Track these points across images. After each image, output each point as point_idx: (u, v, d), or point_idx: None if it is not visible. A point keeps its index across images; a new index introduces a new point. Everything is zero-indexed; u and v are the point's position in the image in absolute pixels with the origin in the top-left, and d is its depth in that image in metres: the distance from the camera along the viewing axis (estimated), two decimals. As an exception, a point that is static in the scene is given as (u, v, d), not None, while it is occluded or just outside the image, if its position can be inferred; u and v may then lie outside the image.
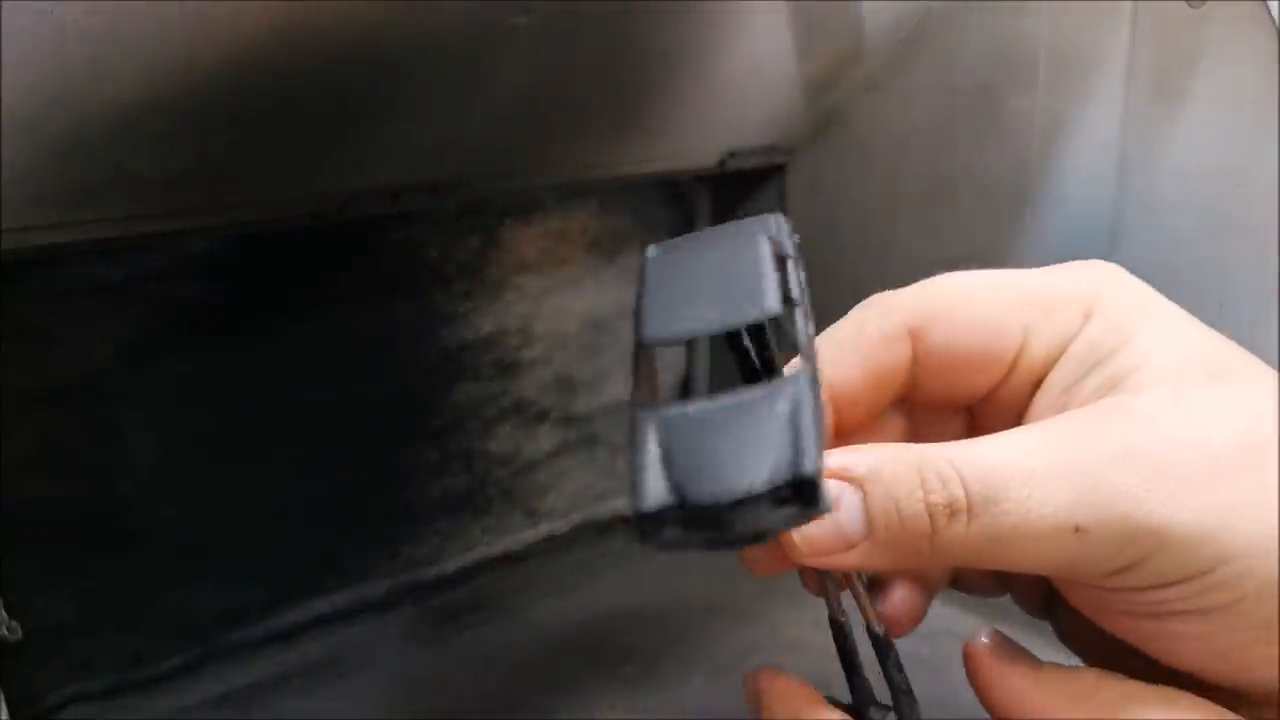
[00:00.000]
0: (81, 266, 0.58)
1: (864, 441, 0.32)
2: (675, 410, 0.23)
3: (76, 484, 0.61)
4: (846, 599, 0.33)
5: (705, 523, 0.22)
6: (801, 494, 0.21)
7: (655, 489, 0.22)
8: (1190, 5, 0.55)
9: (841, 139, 0.75)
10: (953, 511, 0.25)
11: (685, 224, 0.85)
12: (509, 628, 0.73)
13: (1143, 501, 0.25)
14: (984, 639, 0.30)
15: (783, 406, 0.22)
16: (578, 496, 0.84)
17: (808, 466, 0.21)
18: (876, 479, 0.26)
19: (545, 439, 0.82)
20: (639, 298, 0.26)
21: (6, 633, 0.40)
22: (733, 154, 0.74)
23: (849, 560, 0.27)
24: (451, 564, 0.77)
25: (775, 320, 0.25)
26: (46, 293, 0.58)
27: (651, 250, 0.27)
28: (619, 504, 0.85)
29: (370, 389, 0.71)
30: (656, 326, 0.25)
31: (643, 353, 0.25)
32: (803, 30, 0.67)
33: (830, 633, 0.33)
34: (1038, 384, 0.30)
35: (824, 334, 0.32)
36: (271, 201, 0.56)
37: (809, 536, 0.27)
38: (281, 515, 0.68)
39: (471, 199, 0.69)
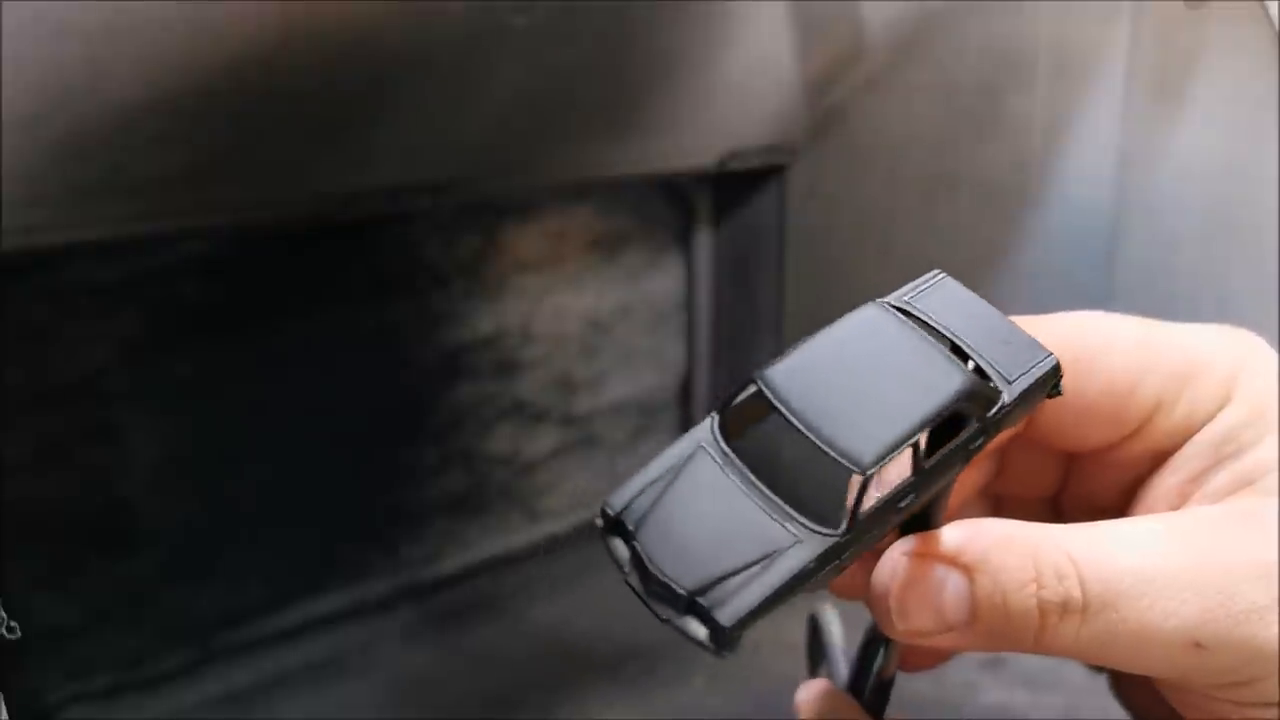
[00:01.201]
0: (81, 266, 0.58)
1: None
2: (712, 465, 0.23)
3: (76, 484, 0.61)
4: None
5: (636, 562, 0.22)
6: (710, 627, 0.21)
7: (625, 499, 0.23)
8: (1190, 5, 0.55)
9: (842, 139, 0.75)
10: (1065, 611, 0.24)
11: (685, 224, 0.85)
12: (509, 628, 0.73)
13: (1270, 622, 0.24)
14: None
15: (779, 546, 0.21)
16: (577, 496, 0.84)
17: (724, 617, 0.20)
18: (985, 567, 0.25)
19: (545, 439, 0.82)
20: (802, 341, 0.23)
21: (6, 633, 0.40)
22: (733, 154, 0.74)
23: (945, 641, 0.26)
24: (451, 564, 0.77)
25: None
26: (46, 293, 0.58)
27: (865, 310, 0.24)
28: (619, 504, 0.85)
29: (370, 389, 0.71)
30: (778, 379, 0.22)
31: (751, 386, 0.23)
32: (803, 30, 0.67)
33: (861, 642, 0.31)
34: (1154, 455, 0.29)
35: None
36: (271, 202, 0.56)
37: (907, 615, 0.25)
38: (281, 515, 0.68)
39: (471, 199, 0.69)
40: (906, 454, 0.22)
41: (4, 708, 0.35)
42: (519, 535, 0.80)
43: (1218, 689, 0.25)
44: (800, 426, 0.22)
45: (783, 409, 0.22)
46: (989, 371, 0.23)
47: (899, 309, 0.24)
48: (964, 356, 0.24)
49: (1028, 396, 0.24)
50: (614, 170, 0.71)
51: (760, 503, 0.22)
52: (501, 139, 0.61)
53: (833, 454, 0.21)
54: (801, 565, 0.21)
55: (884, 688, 0.31)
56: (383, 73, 0.51)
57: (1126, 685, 0.33)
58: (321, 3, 0.44)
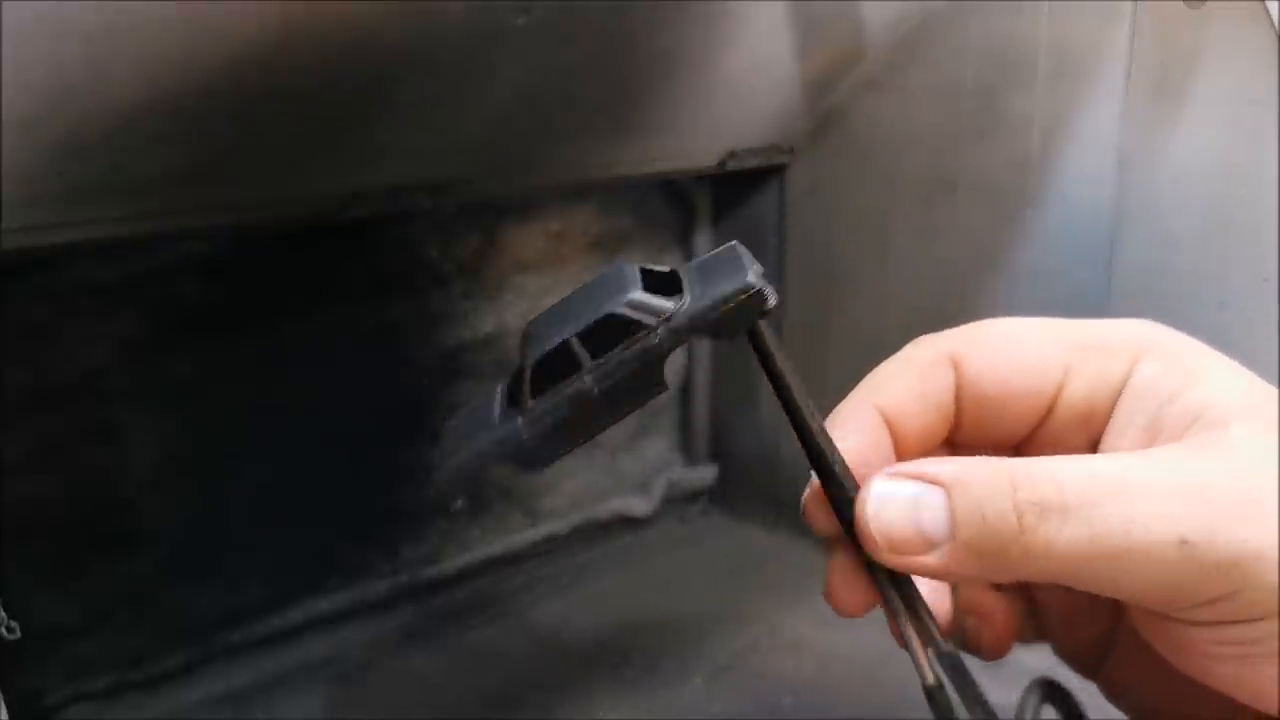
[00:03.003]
0: (81, 266, 0.58)
1: None
2: (487, 399, 0.31)
3: (76, 484, 0.61)
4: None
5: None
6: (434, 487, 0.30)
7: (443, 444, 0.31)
8: (1190, 5, 0.55)
9: (841, 139, 0.75)
10: (1044, 510, 0.25)
11: (685, 224, 0.85)
12: (509, 628, 0.73)
13: (1246, 526, 0.24)
14: None
15: (493, 431, 0.29)
16: (578, 496, 0.84)
17: (438, 475, 0.29)
18: (959, 481, 0.26)
19: (545, 439, 0.81)
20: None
21: (6, 633, 0.40)
22: (733, 154, 0.74)
23: (930, 563, 0.26)
24: (451, 564, 0.77)
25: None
26: (46, 293, 0.58)
27: (614, 265, 0.32)
28: (619, 504, 0.85)
29: (370, 389, 0.71)
30: (531, 321, 0.31)
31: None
32: (803, 30, 0.67)
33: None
34: (1086, 428, 0.30)
35: (877, 368, 0.33)
36: (271, 202, 0.56)
37: (889, 533, 0.27)
38: (281, 515, 0.68)
39: (471, 199, 0.69)
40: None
41: (4, 708, 0.35)
42: (519, 535, 0.81)
43: (1200, 608, 0.26)
44: (527, 346, 0.30)
45: (524, 338, 0.30)
46: (689, 296, 0.29)
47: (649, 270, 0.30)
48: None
49: (707, 311, 0.29)
50: (614, 170, 0.71)
51: (500, 409, 0.30)
52: (502, 139, 0.61)
53: (520, 361, 0.29)
54: (491, 439, 0.29)
55: None
56: (383, 73, 0.51)
57: (1118, 683, 0.33)
58: (321, 3, 0.44)
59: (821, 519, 0.30)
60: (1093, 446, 0.31)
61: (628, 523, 0.85)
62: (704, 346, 0.88)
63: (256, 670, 0.67)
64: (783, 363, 0.29)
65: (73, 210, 0.47)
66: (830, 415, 0.31)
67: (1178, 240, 0.59)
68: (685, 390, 0.89)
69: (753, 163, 0.75)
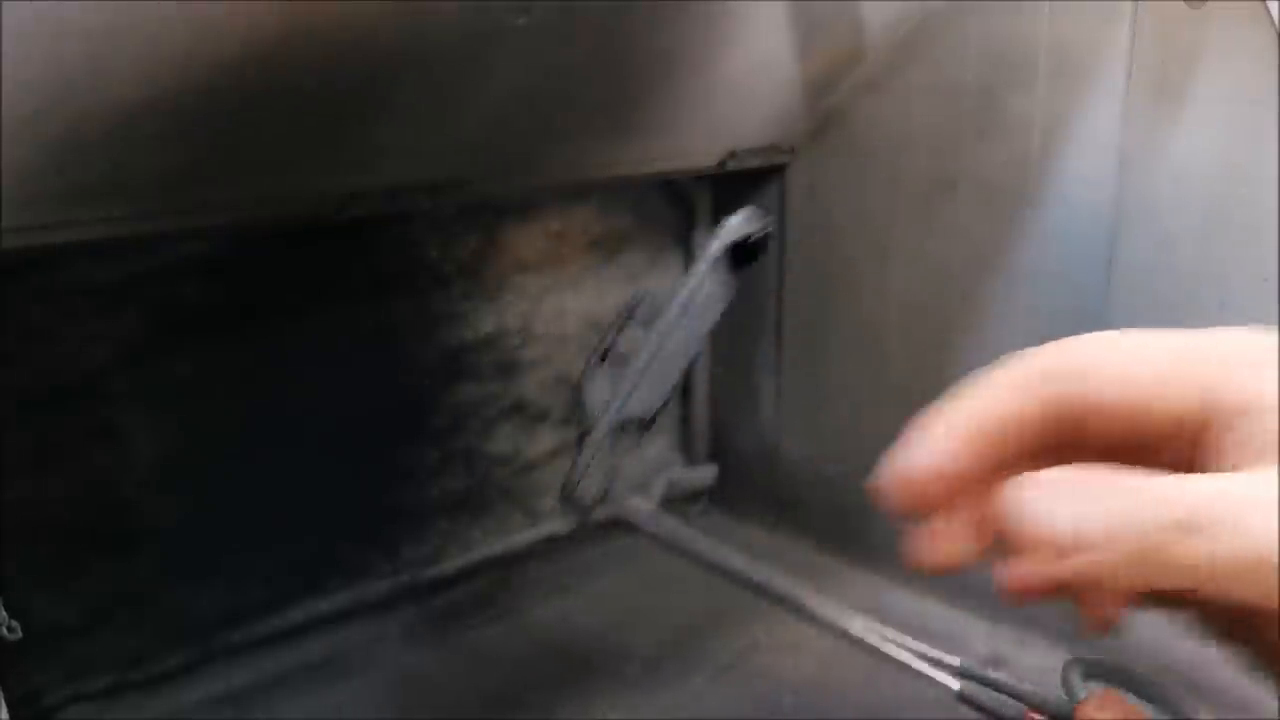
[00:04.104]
0: (81, 266, 0.58)
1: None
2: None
3: (76, 484, 0.61)
4: None
5: None
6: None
7: None
8: (1190, 5, 0.55)
9: (841, 139, 0.75)
10: (1183, 530, 0.26)
11: (685, 224, 0.85)
12: (509, 628, 0.73)
13: None
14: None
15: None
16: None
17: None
18: (1114, 491, 0.27)
19: (545, 439, 0.82)
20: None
21: (6, 633, 0.40)
22: (733, 154, 0.74)
23: (1065, 570, 0.28)
24: (451, 564, 0.77)
25: None
26: (46, 293, 0.58)
27: None
28: (618, 504, 0.85)
29: (370, 389, 0.71)
30: None
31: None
32: (803, 30, 0.67)
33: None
34: (1195, 443, 0.31)
35: (978, 377, 0.34)
36: (271, 201, 0.56)
37: (1052, 536, 0.28)
38: (281, 515, 0.68)
39: (471, 199, 0.69)
40: None
41: (4, 707, 0.35)
42: (519, 535, 0.80)
43: None
44: None
45: None
46: None
47: None
48: None
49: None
50: (614, 170, 0.71)
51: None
52: (501, 139, 0.61)
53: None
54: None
55: None
56: (381, 72, 0.51)
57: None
58: (321, 2, 0.44)
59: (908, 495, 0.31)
60: (1201, 462, 0.31)
61: (628, 523, 0.85)
62: (705, 348, 0.88)
63: (256, 670, 0.67)
64: None
65: (73, 210, 0.47)
66: (932, 420, 0.32)
67: (1178, 240, 0.59)
68: (685, 390, 0.89)
69: (753, 163, 0.75)
